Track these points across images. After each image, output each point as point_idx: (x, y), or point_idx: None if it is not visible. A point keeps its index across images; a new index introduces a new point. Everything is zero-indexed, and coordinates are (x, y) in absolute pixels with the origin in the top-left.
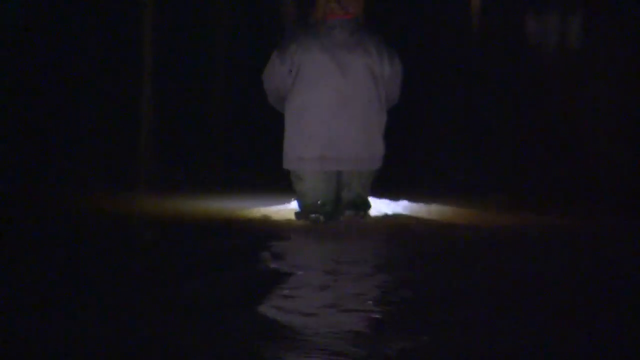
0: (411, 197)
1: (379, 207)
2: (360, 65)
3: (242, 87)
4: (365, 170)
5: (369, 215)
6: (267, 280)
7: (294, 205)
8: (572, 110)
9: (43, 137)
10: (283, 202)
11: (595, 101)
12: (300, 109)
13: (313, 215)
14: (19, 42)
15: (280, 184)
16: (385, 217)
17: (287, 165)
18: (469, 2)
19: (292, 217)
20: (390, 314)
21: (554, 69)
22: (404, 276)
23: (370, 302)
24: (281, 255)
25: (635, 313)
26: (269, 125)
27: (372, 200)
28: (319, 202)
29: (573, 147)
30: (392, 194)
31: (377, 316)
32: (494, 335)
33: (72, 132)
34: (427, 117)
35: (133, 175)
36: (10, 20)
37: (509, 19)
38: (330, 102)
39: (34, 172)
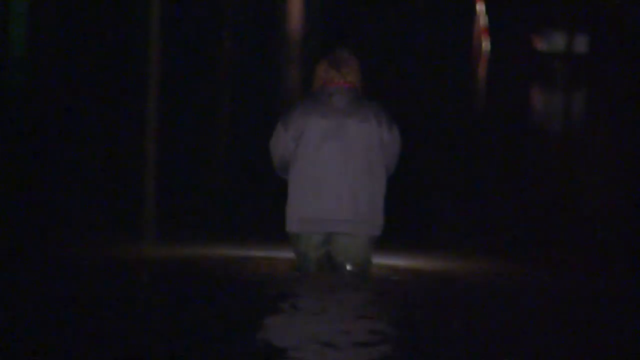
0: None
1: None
2: (359, 131)
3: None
4: (363, 235)
5: (367, 278)
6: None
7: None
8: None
9: (47, 177)
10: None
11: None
12: (301, 172)
13: (296, 274)
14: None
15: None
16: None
17: (288, 227)
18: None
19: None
20: None
21: (555, 138)
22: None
23: None
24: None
25: None
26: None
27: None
28: (312, 265)
29: (569, 208)
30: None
31: None
32: None
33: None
34: (428, 177)
35: (138, 220)
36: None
37: (510, 90)
38: (329, 166)
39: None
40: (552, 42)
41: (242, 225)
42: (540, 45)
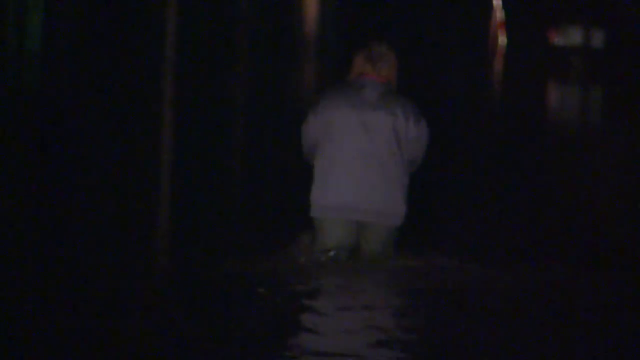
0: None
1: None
2: (385, 124)
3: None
4: (383, 224)
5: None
6: None
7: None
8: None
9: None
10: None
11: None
12: (325, 161)
13: (331, 253)
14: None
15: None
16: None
17: (312, 213)
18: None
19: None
20: None
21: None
22: None
23: None
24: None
25: None
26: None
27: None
28: (332, 252)
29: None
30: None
31: None
32: None
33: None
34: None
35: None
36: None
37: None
38: (354, 156)
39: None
40: (568, 37)
41: (257, 231)
42: (557, 39)
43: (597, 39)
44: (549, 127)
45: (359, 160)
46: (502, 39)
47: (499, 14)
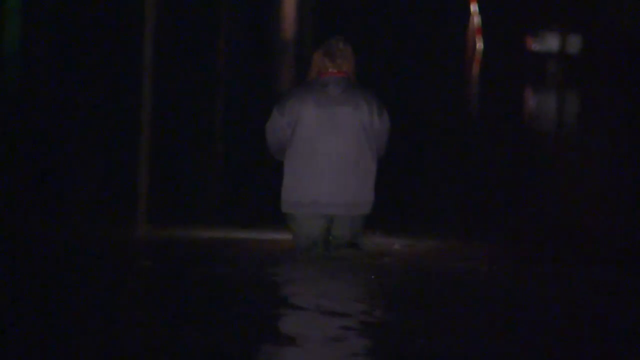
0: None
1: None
2: (352, 118)
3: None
4: (354, 215)
5: (358, 249)
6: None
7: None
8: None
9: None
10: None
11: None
12: (295, 157)
13: (309, 251)
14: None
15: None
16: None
17: (284, 209)
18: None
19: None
20: None
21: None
22: None
23: None
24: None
25: None
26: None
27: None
28: (309, 244)
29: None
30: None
31: None
32: None
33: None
34: (424, 164)
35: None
36: None
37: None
38: (323, 152)
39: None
40: (545, 43)
41: (235, 208)
42: (534, 45)
43: (574, 44)
44: (525, 131)
45: (328, 156)
46: (479, 44)
47: (476, 19)
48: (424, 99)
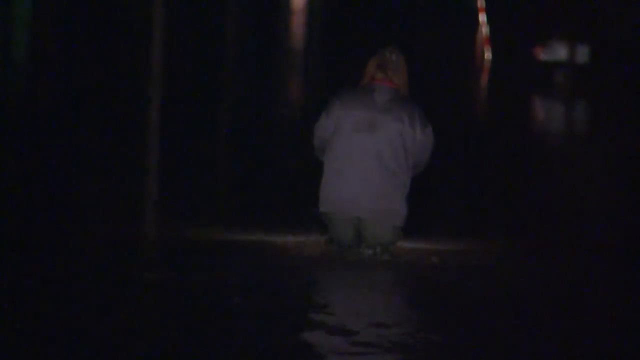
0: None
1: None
2: (391, 127)
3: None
4: (383, 223)
5: (389, 254)
6: None
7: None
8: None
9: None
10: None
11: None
12: (333, 158)
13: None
14: None
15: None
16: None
17: (321, 207)
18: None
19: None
20: None
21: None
22: None
23: None
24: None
25: None
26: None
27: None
28: (341, 243)
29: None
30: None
31: None
32: None
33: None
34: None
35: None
36: None
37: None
38: (358, 154)
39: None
40: (553, 52)
41: (254, 211)
42: (542, 55)
43: (582, 54)
44: (534, 141)
45: (362, 159)
46: (488, 54)
47: (484, 29)
48: (432, 108)
